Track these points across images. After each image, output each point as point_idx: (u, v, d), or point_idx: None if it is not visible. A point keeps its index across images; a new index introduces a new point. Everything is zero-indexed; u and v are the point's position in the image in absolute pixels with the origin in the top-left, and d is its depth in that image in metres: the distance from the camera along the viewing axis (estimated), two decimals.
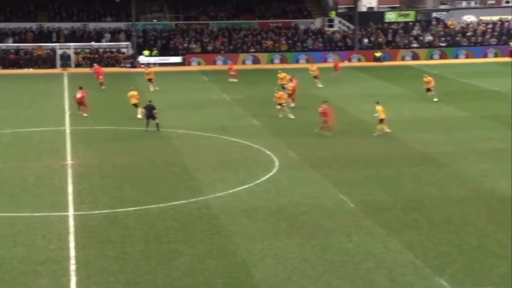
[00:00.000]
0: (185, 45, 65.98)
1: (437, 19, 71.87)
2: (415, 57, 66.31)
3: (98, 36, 66.42)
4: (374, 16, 74.04)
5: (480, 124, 36.46)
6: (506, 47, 67.30)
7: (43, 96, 46.99)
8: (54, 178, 26.84)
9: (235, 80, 52.22)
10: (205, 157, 29.98)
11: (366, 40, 68.63)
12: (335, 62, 55.92)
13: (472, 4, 78.82)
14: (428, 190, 25.15)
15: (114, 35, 67.05)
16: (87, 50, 63.83)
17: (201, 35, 67.94)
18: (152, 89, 47.07)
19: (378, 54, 65.60)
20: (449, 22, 71.28)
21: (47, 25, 67.64)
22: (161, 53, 64.81)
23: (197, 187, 25.55)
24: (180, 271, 18.16)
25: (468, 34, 69.15)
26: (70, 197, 24.30)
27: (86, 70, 57.17)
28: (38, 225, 21.47)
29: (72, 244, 19.88)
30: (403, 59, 66.19)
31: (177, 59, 64.10)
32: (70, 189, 25.28)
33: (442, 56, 66.49)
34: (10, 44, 64.27)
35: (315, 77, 49.73)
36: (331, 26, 71.19)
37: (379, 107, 33.82)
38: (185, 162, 29.13)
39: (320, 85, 48.95)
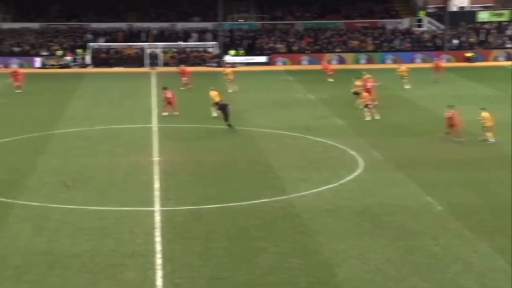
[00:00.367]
0: (271, 45, 66.24)
1: None
2: (510, 57, 64.25)
3: (186, 36, 67.56)
4: (465, 15, 72.35)
5: None
6: None
7: (132, 94, 48.09)
8: (141, 174, 27.35)
9: (332, 80, 51.72)
10: (289, 156, 29.95)
11: (456, 41, 67.06)
12: (435, 63, 53.40)
13: None
14: None
15: (201, 35, 68.02)
16: (175, 50, 65.07)
17: (286, 35, 68.08)
18: (231, 89, 46.98)
19: (469, 54, 63.93)
20: None
21: (136, 25, 69.37)
22: (247, 53, 65.32)
23: (280, 186, 25.52)
24: (263, 269, 18.15)
25: None
26: (157, 193, 24.70)
27: (173, 69, 58.18)
28: (125, 219, 21.91)
29: (158, 239, 20.18)
30: (496, 59, 64.28)
31: (263, 58, 64.44)
32: (156, 185, 25.72)
33: None
34: (102, 44, 66.22)
35: (403, 77, 48.92)
36: (420, 26, 70.08)
37: (485, 114, 31.84)
38: (269, 161, 29.17)
39: (408, 86, 48.12)
